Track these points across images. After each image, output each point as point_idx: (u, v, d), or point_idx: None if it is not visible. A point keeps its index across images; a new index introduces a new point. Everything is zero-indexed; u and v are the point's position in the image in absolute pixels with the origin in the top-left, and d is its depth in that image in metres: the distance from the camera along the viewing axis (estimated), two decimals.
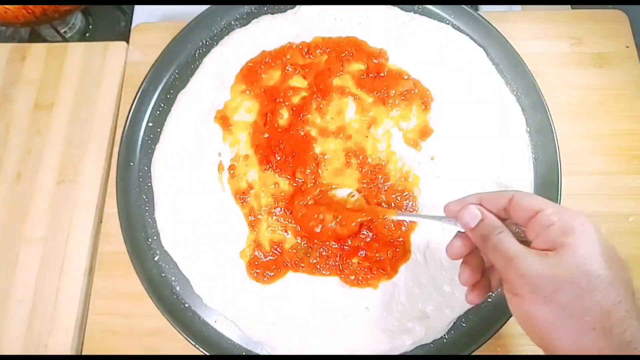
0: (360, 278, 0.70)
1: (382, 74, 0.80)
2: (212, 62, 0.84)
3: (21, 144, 0.85)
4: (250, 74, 0.82)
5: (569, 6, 0.96)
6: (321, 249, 0.72)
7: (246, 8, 0.89)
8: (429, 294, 0.70)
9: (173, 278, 0.73)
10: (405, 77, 0.80)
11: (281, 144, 0.77)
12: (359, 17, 0.86)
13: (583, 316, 0.41)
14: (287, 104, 0.80)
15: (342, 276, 0.71)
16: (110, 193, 0.82)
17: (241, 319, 0.70)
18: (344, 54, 0.82)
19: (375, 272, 0.71)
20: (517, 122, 0.79)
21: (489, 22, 0.84)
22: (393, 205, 0.73)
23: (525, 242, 0.46)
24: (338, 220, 0.69)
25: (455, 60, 0.82)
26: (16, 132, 0.86)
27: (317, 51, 0.82)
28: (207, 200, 0.75)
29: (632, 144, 0.83)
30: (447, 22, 0.86)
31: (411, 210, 0.73)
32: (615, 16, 0.91)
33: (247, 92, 0.81)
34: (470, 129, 0.78)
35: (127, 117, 0.80)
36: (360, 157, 0.76)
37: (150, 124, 0.81)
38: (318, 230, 0.69)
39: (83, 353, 0.74)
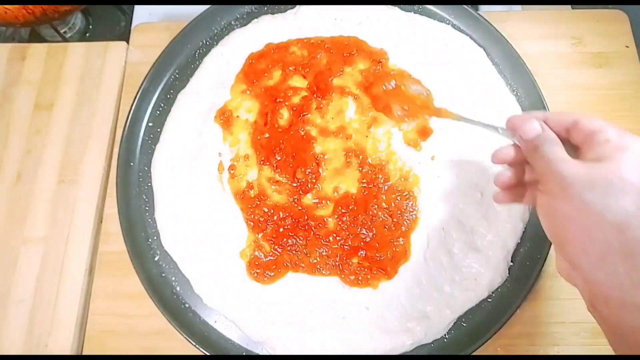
0: (360, 278, 0.71)
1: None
2: (212, 62, 0.84)
3: (21, 144, 0.85)
4: (251, 70, 0.82)
5: (569, 6, 0.96)
6: (321, 249, 0.72)
7: (246, 8, 0.89)
8: (429, 294, 0.70)
9: (173, 278, 0.73)
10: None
11: (281, 144, 0.77)
12: (359, 17, 0.86)
13: (602, 213, 0.41)
14: (287, 103, 0.80)
15: (342, 276, 0.71)
16: (110, 193, 0.82)
17: (241, 319, 0.70)
18: (345, 54, 0.82)
19: (375, 272, 0.71)
20: None
21: (489, 22, 0.84)
22: (393, 205, 0.73)
23: None
24: (405, 109, 0.71)
25: (455, 60, 0.82)
26: (16, 132, 0.86)
27: (318, 55, 0.82)
28: (207, 200, 0.76)
29: None
30: (447, 22, 0.86)
31: (411, 210, 0.73)
32: (615, 16, 0.91)
33: (247, 92, 0.81)
34: (470, 129, 0.77)
35: (127, 117, 0.80)
36: (360, 157, 0.76)
37: (150, 124, 0.81)
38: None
39: (83, 353, 0.74)
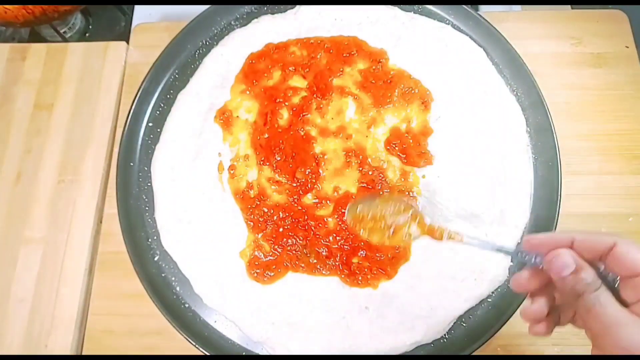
0: (360, 278, 0.70)
1: (387, 80, 0.80)
2: (212, 62, 0.84)
3: (21, 144, 0.85)
4: (251, 70, 0.82)
5: (569, 6, 0.96)
6: (321, 249, 0.72)
7: (246, 8, 0.89)
8: (428, 294, 0.70)
9: (173, 278, 0.73)
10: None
11: (281, 144, 0.77)
12: (359, 17, 0.86)
13: None
14: (287, 104, 0.80)
15: (342, 276, 0.71)
16: (110, 193, 0.82)
17: (241, 319, 0.70)
18: (345, 54, 0.82)
19: (375, 272, 0.71)
20: (517, 122, 0.79)
21: (489, 22, 0.84)
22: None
23: (617, 290, 0.43)
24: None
25: (455, 60, 0.82)
26: (16, 132, 0.86)
27: (318, 55, 0.82)
28: (207, 200, 0.76)
29: (632, 144, 0.83)
30: (447, 22, 0.86)
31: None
32: (615, 16, 0.91)
33: (247, 92, 0.81)
34: (470, 129, 0.78)
35: (127, 117, 0.80)
36: (360, 157, 0.76)
37: (150, 124, 0.81)
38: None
39: (83, 353, 0.74)
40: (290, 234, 0.73)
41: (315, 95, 0.80)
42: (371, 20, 0.85)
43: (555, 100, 0.81)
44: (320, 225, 0.73)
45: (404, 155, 0.76)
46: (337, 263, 0.71)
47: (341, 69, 0.81)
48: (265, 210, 0.74)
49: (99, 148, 0.84)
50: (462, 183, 0.75)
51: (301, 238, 0.72)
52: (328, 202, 0.74)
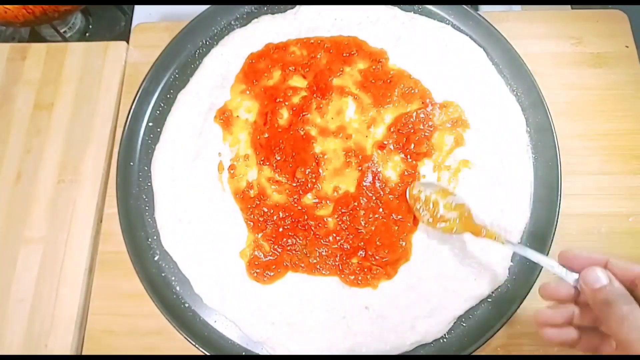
0: (360, 278, 0.70)
1: (387, 80, 0.80)
2: (212, 62, 0.84)
3: (21, 144, 0.85)
4: (251, 70, 0.82)
5: (569, 6, 0.96)
6: (321, 249, 0.72)
7: (246, 8, 0.89)
8: (428, 293, 0.70)
9: (173, 278, 0.73)
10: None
11: (281, 144, 0.77)
12: (359, 17, 0.86)
13: None
14: (287, 103, 0.80)
15: (342, 276, 0.71)
16: (110, 193, 0.82)
17: (241, 319, 0.70)
18: (345, 54, 0.82)
19: (375, 272, 0.71)
20: (517, 122, 0.79)
21: (489, 22, 0.84)
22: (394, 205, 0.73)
23: None
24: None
25: (455, 60, 0.82)
26: (16, 132, 0.86)
27: (318, 55, 0.82)
28: (207, 200, 0.76)
29: (632, 144, 0.83)
30: (447, 22, 0.86)
31: (412, 211, 0.73)
32: (615, 16, 0.91)
33: (247, 92, 0.81)
34: (470, 128, 0.78)
35: (127, 117, 0.80)
36: (360, 157, 0.76)
37: (150, 124, 0.81)
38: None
39: (83, 353, 0.74)
40: (290, 234, 0.73)
41: (315, 95, 0.80)
42: (371, 20, 0.85)
43: (555, 100, 0.81)
44: (320, 225, 0.73)
45: (405, 148, 0.76)
46: (337, 263, 0.71)
47: (341, 69, 0.81)
48: (265, 210, 0.74)
49: (99, 148, 0.84)
50: (462, 183, 0.75)
51: (301, 238, 0.72)
52: (328, 202, 0.74)
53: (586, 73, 0.87)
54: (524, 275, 0.70)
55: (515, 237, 0.73)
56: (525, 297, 0.68)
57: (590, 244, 0.77)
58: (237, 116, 0.80)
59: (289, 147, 0.77)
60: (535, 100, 0.79)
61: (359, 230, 0.72)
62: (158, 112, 0.82)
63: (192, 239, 0.74)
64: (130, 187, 0.77)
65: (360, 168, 0.75)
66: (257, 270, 0.71)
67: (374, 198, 0.74)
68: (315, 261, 0.71)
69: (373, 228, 0.72)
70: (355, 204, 0.73)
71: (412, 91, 0.79)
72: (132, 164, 0.79)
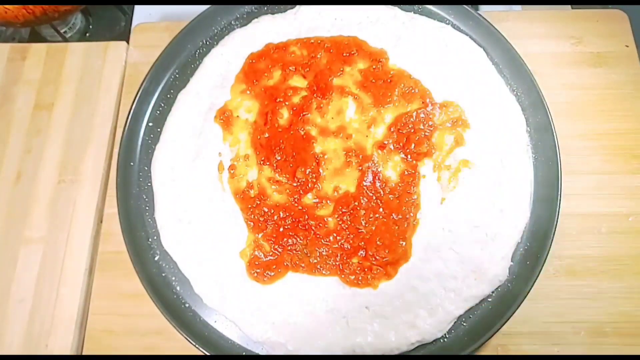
0: (360, 278, 0.70)
1: (387, 80, 0.80)
2: (212, 62, 0.84)
3: (21, 144, 0.85)
4: (251, 70, 0.82)
5: (569, 6, 0.96)
6: (321, 249, 0.72)
7: (246, 8, 0.89)
8: (429, 293, 0.69)
9: (173, 278, 0.73)
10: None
11: (281, 144, 0.77)
12: (359, 17, 0.86)
13: None
14: (287, 103, 0.80)
15: (342, 276, 0.71)
16: (110, 193, 0.82)
17: (241, 319, 0.70)
18: (345, 54, 0.82)
19: (375, 272, 0.71)
20: (517, 122, 0.79)
21: (489, 22, 0.84)
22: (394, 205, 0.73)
23: None
24: None
25: (455, 60, 0.82)
26: (16, 132, 0.86)
27: (318, 55, 0.82)
28: (207, 200, 0.75)
29: (632, 144, 0.83)
30: (447, 22, 0.86)
31: (412, 210, 0.73)
32: (615, 16, 0.91)
33: (247, 91, 0.81)
34: (470, 128, 0.78)
35: (127, 117, 0.80)
36: (360, 157, 0.76)
37: (150, 124, 0.81)
38: None
39: (83, 353, 0.74)
40: (290, 233, 0.73)
41: (315, 95, 0.80)
42: (371, 20, 0.85)
43: (555, 100, 0.81)
44: (320, 225, 0.73)
45: (405, 148, 0.76)
46: (337, 263, 0.71)
47: (341, 69, 0.81)
48: (266, 210, 0.74)
49: (99, 148, 0.84)
50: (462, 183, 0.75)
51: (301, 238, 0.72)
52: (328, 201, 0.74)
53: (586, 73, 0.87)
54: (524, 275, 0.70)
55: (516, 237, 0.73)
56: (525, 297, 0.68)
57: (591, 244, 0.77)
58: (237, 116, 0.80)
59: (289, 147, 0.77)
60: (535, 100, 0.79)
61: (359, 230, 0.72)
62: (158, 112, 0.82)
63: (192, 239, 0.74)
64: (130, 187, 0.77)
65: (360, 168, 0.75)
66: (257, 270, 0.71)
67: (374, 198, 0.74)
68: (315, 261, 0.71)
69: (373, 228, 0.72)
70: (356, 203, 0.73)
71: (412, 91, 0.79)
72: (132, 164, 0.79)
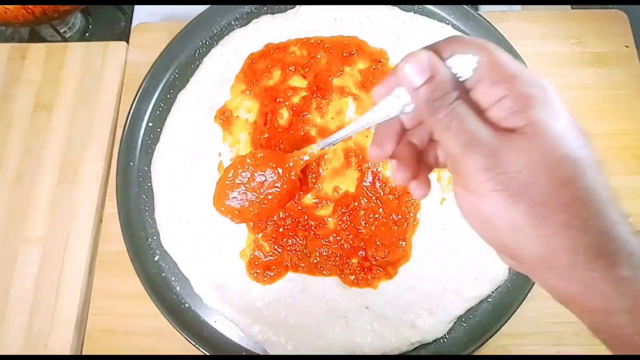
0: (360, 278, 0.70)
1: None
2: (212, 62, 0.84)
3: (21, 144, 0.85)
4: (251, 70, 0.82)
5: (569, 6, 0.96)
6: (321, 249, 0.72)
7: (246, 8, 0.89)
8: (429, 293, 0.70)
9: (173, 278, 0.73)
10: None
11: (281, 144, 0.77)
12: (359, 17, 0.86)
13: (558, 213, 0.33)
14: (287, 103, 0.80)
15: (342, 276, 0.71)
16: (110, 193, 0.82)
17: (241, 319, 0.70)
18: (345, 54, 0.82)
19: (375, 272, 0.71)
20: None
21: (489, 22, 0.84)
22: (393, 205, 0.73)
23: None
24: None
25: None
26: (16, 132, 0.86)
27: (318, 55, 0.82)
28: (207, 200, 0.75)
29: (632, 144, 0.82)
30: (447, 22, 0.86)
31: (412, 210, 0.73)
32: (615, 16, 0.91)
33: (247, 92, 0.81)
34: None
35: (127, 117, 0.80)
36: (360, 157, 0.76)
37: (150, 124, 0.81)
38: None
39: (83, 353, 0.74)
40: (290, 234, 0.73)
41: (315, 95, 0.80)
42: (371, 20, 0.85)
43: None
44: (320, 225, 0.73)
45: None
46: (337, 263, 0.71)
47: (341, 69, 0.81)
48: None
49: (99, 148, 0.84)
50: None
51: (301, 238, 0.72)
52: (328, 202, 0.74)
53: (586, 73, 0.87)
54: (524, 275, 0.70)
55: None
56: (526, 297, 0.68)
57: None
58: (237, 116, 0.80)
59: (289, 147, 0.77)
60: None
61: (359, 230, 0.72)
62: (158, 112, 0.82)
63: (192, 239, 0.74)
64: (130, 187, 0.77)
65: (360, 168, 0.75)
66: (257, 270, 0.71)
67: (374, 198, 0.74)
68: (315, 261, 0.71)
69: (373, 228, 0.72)
70: (356, 204, 0.73)
71: None
72: (132, 164, 0.79)
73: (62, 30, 1.00)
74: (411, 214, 0.73)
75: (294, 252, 0.72)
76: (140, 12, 1.04)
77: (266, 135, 0.78)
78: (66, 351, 0.73)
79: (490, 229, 0.36)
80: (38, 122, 0.86)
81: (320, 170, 0.75)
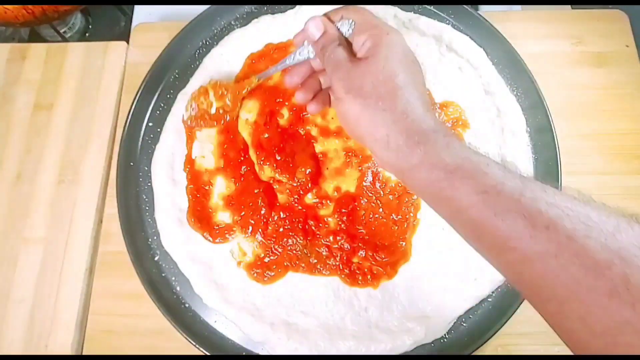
0: (360, 278, 0.70)
1: None
2: (212, 62, 0.84)
3: (21, 144, 0.85)
4: (251, 70, 0.82)
5: (569, 6, 0.96)
6: (321, 249, 0.72)
7: (246, 8, 0.89)
8: (429, 294, 0.70)
9: (173, 278, 0.73)
10: None
11: (281, 144, 0.77)
12: None
13: (377, 101, 0.49)
14: (287, 103, 0.80)
15: (342, 276, 0.71)
16: (110, 193, 0.82)
17: (241, 319, 0.70)
18: None
19: (375, 272, 0.71)
20: (517, 122, 0.79)
21: (489, 22, 0.84)
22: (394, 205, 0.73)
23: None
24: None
25: (455, 60, 0.82)
26: (16, 132, 0.86)
27: None
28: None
29: (632, 144, 0.82)
30: (447, 22, 0.86)
31: (412, 210, 0.73)
32: (615, 16, 0.91)
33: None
34: (470, 128, 0.78)
35: (127, 117, 0.80)
36: (360, 157, 0.76)
37: (150, 124, 0.81)
38: None
39: (83, 353, 0.74)
40: (290, 234, 0.73)
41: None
42: None
43: (555, 100, 0.81)
44: (320, 225, 0.73)
45: None
46: (337, 263, 0.71)
47: None
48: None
49: (99, 148, 0.84)
50: None
51: (301, 238, 0.72)
52: (328, 202, 0.74)
53: (586, 73, 0.87)
54: None
55: None
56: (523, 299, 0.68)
57: None
58: (238, 116, 0.80)
59: (289, 147, 0.77)
60: (535, 100, 0.79)
61: (359, 230, 0.72)
62: (158, 112, 0.82)
63: (192, 239, 0.74)
64: (130, 187, 0.77)
65: (360, 168, 0.75)
66: (257, 271, 0.71)
67: (374, 198, 0.74)
68: (315, 261, 0.71)
69: (373, 228, 0.72)
70: (356, 204, 0.73)
71: None
72: (132, 164, 0.79)
73: (62, 31, 1.00)
74: (411, 214, 0.73)
75: (294, 252, 0.72)
76: (140, 12, 1.04)
77: (266, 135, 0.78)
78: (66, 351, 0.73)
79: (349, 124, 0.53)
80: (38, 122, 0.86)
81: (321, 170, 0.75)
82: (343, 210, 0.73)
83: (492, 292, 0.71)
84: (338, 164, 0.76)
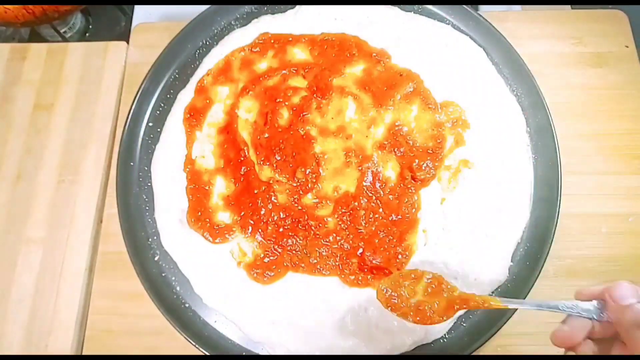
0: (360, 278, 0.70)
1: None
2: (212, 62, 0.84)
3: (21, 144, 0.85)
4: (245, 65, 0.82)
5: (569, 6, 0.96)
6: (321, 249, 0.72)
7: (246, 8, 0.89)
8: None
9: (173, 278, 0.73)
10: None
11: (281, 144, 0.77)
12: (359, 17, 0.86)
13: None
14: (287, 103, 0.80)
15: (342, 276, 0.71)
16: (110, 193, 0.82)
17: (241, 319, 0.70)
18: (345, 54, 0.82)
19: (375, 272, 0.70)
20: (517, 122, 0.79)
21: (489, 22, 0.84)
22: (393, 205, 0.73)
23: None
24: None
25: (455, 60, 0.82)
26: (16, 132, 0.86)
27: (315, 53, 0.82)
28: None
29: (632, 144, 0.83)
30: (447, 22, 0.86)
31: (412, 210, 0.73)
32: (615, 16, 0.91)
33: (247, 92, 0.81)
34: (470, 128, 0.78)
35: (127, 117, 0.80)
36: (360, 157, 0.76)
37: (150, 124, 0.81)
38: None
39: (83, 353, 0.74)
40: (290, 234, 0.73)
41: (315, 95, 0.80)
42: (371, 20, 0.85)
43: (555, 100, 0.81)
44: (320, 225, 0.73)
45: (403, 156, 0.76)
46: (337, 263, 0.71)
47: (342, 69, 0.81)
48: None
49: (99, 148, 0.84)
50: (462, 183, 0.75)
51: (301, 238, 0.72)
52: (328, 202, 0.74)
53: (586, 73, 0.87)
54: (523, 275, 0.70)
55: (516, 237, 0.73)
56: (526, 297, 0.68)
57: (591, 244, 0.77)
58: (238, 116, 0.80)
59: (289, 147, 0.77)
60: (535, 100, 0.79)
61: (359, 230, 0.72)
62: (158, 112, 0.82)
63: (192, 239, 0.74)
64: (130, 187, 0.77)
65: (360, 168, 0.75)
66: (257, 271, 0.71)
67: (374, 198, 0.74)
68: (315, 261, 0.71)
69: (373, 228, 0.72)
70: (355, 204, 0.73)
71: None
72: (132, 164, 0.79)
73: (62, 31, 1.00)
74: (411, 214, 0.73)
75: (294, 252, 0.72)
76: (140, 12, 1.04)
77: (266, 135, 0.78)
78: (66, 351, 0.73)
79: None
80: (38, 122, 0.86)
81: (321, 170, 0.75)
82: (343, 211, 0.73)
83: (492, 292, 0.71)
84: (338, 164, 0.76)
